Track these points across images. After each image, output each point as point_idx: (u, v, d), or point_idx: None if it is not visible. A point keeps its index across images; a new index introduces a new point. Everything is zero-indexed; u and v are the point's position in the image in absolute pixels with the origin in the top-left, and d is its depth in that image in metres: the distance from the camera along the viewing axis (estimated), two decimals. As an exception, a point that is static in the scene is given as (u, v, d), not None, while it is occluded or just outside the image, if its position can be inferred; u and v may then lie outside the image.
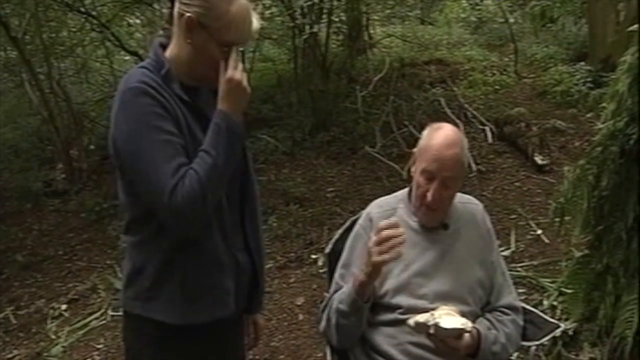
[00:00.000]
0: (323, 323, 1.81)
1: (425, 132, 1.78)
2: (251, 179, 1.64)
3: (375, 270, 1.60)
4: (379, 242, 1.56)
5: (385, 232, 1.56)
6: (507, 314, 1.78)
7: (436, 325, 1.54)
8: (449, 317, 1.56)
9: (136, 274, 1.50)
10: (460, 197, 1.88)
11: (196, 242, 1.46)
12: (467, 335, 1.60)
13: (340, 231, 2.03)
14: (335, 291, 1.79)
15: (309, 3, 5.24)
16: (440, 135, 1.72)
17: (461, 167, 1.73)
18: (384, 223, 1.59)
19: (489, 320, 1.75)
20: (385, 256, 1.55)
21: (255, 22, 1.44)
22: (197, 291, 1.48)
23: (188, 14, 1.37)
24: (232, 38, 1.41)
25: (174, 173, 1.33)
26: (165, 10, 5.10)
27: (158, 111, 1.35)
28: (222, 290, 1.52)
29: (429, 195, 1.70)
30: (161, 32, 1.56)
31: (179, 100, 1.41)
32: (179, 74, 1.44)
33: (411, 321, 1.59)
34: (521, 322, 1.81)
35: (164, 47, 1.48)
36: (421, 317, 1.58)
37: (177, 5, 1.40)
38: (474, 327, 1.66)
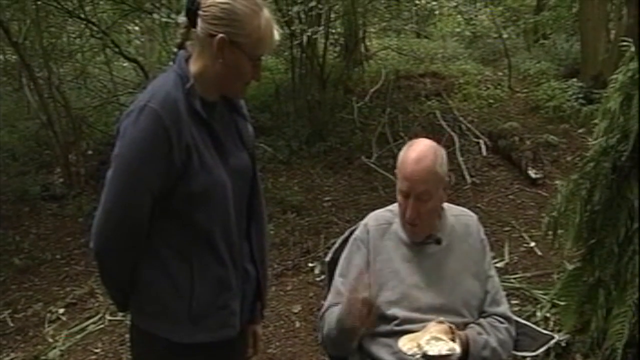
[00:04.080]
0: (320, 336, 1.86)
1: (401, 152, 1.81)
2: (258, 191, 1.66)
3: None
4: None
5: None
6: (502, 322, 1.81)
7: (424, 355, 1.56)
8: (436, 343, 1.57)
9: (142, 289, 1.51)
10: (454, 210, 1.91)
11: (204, 263, 1.48)
12: (454, 357, 1.62)
13: (339, 240, 2.07)
14: (336, 304, 1.81)
15: (306, 9, 5.30)
16: (411, 152, 1.76)
17: (434, 179, 1.73)
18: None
19: (481, 325, 1.78)
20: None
21: (277, 32, 1.48)
22: (203, 312, 1.49)
23: (220, 35, 1.39)
24: (263, 51, 1.46)
25: (122, 214, 1.41)
26: (165, 19, 5.15)
27: (159, 150, 1.38)
28: (228, 312, 1.54)
29: (407, 212, 1.75)
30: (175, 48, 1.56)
31: (197, 117, 1.43)
32: (201, 90, 1.46)
33: (401, 347, 1.61)
34: (514, 333, 1.84)
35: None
36: (409, 348, 1.59)
37: (202, 25, 1.41)
38: (463, 334, 1.69)
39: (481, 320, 1.80)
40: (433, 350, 1.55)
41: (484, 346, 1.72)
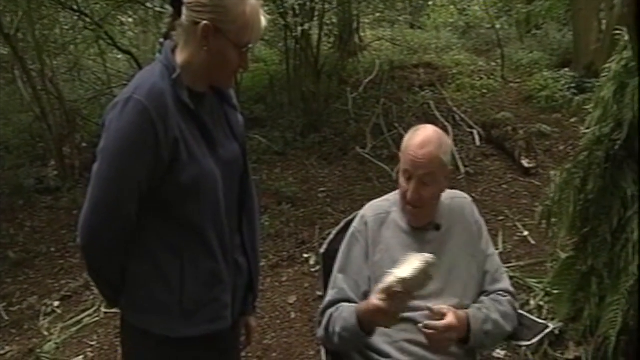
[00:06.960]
0: (322, 332, 1.83)
1: (407, 135, 1.83)
2: (249, 182, 1.64)
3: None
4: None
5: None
6: (504, 296, 1.81)
7: (401, 280, 1.53)
8: (407, 266, 1.55)
9: (133, 284, 1.49)
10: (447, 193, 1.90)
11: (194, 256, 1.46)
12: (450, 314, 1.63)
13: (334, 232, 2.05)
14: (338, 301, 1.80)
15: (300, 2, 5.29)
16: (417, 136, 1.77)
17: (438, 164, 1.75)
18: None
19: (481, 302, 1.79)
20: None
21: (264, 20, 1.46)
22: (194, 306, 1.48)
23: (204, 22, 1.37)
24: (249, 39, 1.43)
25: (109, 208, 1.39)
26: (158, 9, 5.13)
27: (145, 142, 1.35)
28: (219, 305, 1.53)
29: (409, 194, 1.75)
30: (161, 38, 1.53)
31: (184, 108, 1.41)
32: (188, 81, 1.43)
33: (378, 290, 1.58)
34: (517, 305, 1.85)
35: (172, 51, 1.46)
36: (383, 284, 1.57)
37: (186, 13, 1.39)
38: (462, 311, 1.69)
39: (482, 298, 1.81)
40: (406, 271, 1.53)
41: (485, 320, 1.72)
